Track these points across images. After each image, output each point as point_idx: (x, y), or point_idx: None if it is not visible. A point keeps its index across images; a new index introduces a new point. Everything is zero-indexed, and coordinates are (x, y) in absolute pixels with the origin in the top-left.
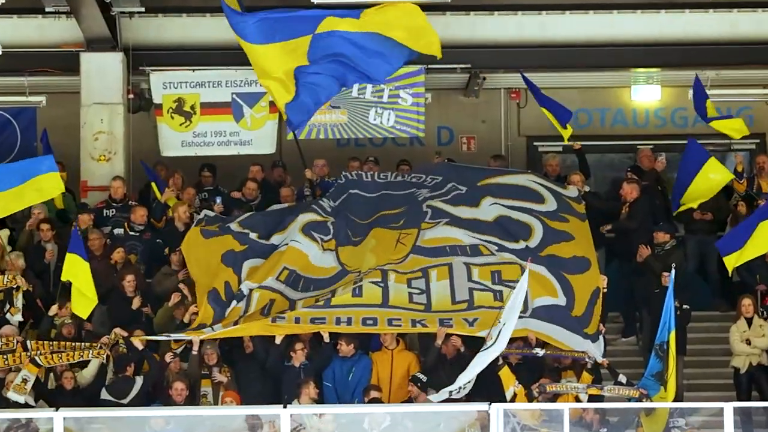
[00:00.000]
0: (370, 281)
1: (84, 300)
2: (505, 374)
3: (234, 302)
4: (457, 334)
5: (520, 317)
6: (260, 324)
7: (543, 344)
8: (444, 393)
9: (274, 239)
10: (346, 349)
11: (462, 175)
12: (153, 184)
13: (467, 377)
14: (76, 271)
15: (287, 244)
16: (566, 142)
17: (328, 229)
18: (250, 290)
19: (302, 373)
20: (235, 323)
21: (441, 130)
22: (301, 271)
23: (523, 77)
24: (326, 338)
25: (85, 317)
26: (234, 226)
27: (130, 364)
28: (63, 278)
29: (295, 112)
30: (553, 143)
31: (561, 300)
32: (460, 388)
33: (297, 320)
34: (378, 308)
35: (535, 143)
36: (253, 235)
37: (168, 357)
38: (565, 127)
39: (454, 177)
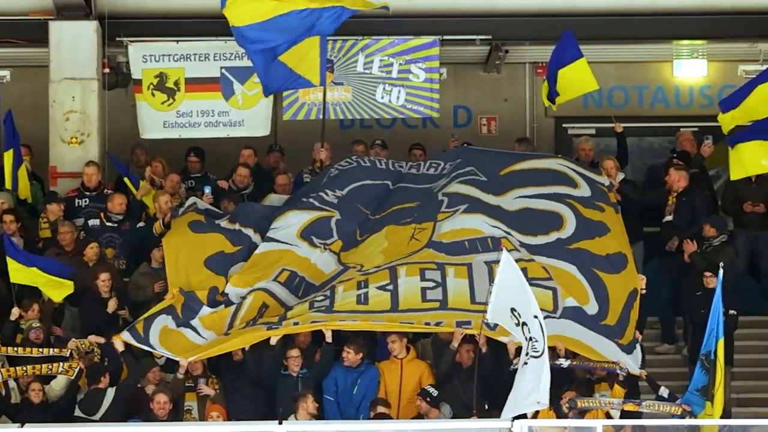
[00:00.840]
0: (377, 287)
1: (57, 287)
2: None
3: (221, 306)
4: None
5: (548, 317)
6: (254, 334)
7: (570, 354)
8: (513, 409)
9: (271, 234)
10: (353, 358)
11: (483, 161)
12: (126, 180)
13: (538, 397)
14: (25, 276)
15: (287, 245)
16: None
17: (331, 230)
18: (242, 298)
19: (300, 383)
20: (225, 334)
21: (458, 110)
22: (303, 273)
23: (565, 39)
24: (328, 337)
25: (59, 299)
26: (225, 223)
27: (104, 375)
28: (13, 281)
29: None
30: (585, 125)
31: (592, 307)
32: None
33: (296, 324)
34: (387, 313)
35: (564, 125)
36: (247, 231)
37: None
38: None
39: (475, 162)
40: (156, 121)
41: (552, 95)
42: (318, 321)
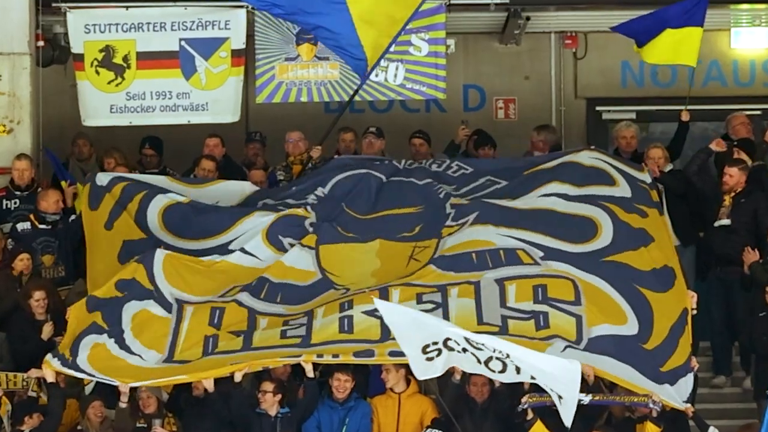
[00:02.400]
0: (364, 311)
1: None
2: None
3: (149, 301)
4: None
5: (570, 347)
6: (214, 370)
7: (595, 386)
8: None
9: (209, 244)
10: (342, 385)
11: (501, 166)
12: (64, 184)
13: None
14: None
15: (239, 255)
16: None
17: (304, 228)
18: (181, 303)
19: (279, 425)
20: (169, 356)
21: (468, 90)
22: (266, 274)
23: None
24: (309, 371)
25: None
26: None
27: (31, 415)
28: None
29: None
30: (623, 107)
31: (631, 327)
32: None
33: (265, 349)
34: (375, 344)
35: (598, 107)
36: (167, 238)
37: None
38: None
39: (490, 169)
40: (102, 104)
41: (640, 43)
42: (292, 357)
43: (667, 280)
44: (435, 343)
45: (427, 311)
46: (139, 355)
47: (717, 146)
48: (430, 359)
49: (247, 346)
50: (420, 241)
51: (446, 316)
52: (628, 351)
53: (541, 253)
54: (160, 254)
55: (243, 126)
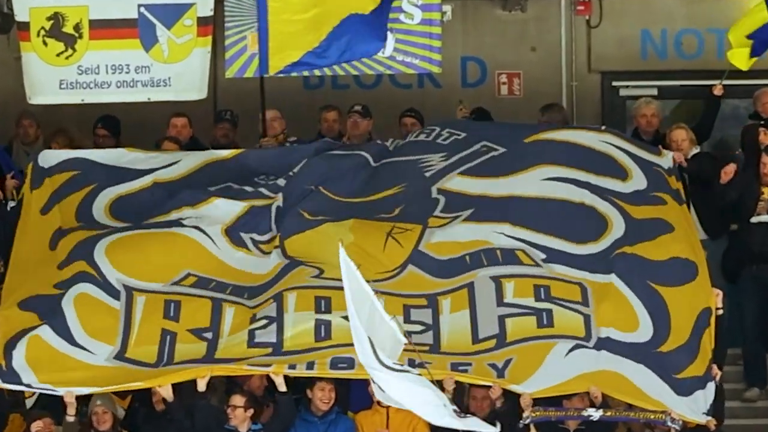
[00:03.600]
0: (344, 315)
1: None
2: None
3: (91, 285)
4: (481, 385)
5: (580, 347)
6: (175, 373)
7: (603, 402)
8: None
9: (161, 219)
10: (327, 395)
11: (499, 131)
12: (9, 178)
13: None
14: None
15: (200, 233)
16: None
17: (269, 222)
18: (130, 290)
19: None
20: (122, 350)
21: (467, 64)
22: (220, 278)
23: None
24: (280, 385)
25: None
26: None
27: None
28: None
29: None
30: (643, 82)
31: (643, 333)
32: None
33: (230, 362)
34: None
35: (614, 83)
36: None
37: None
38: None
39: (486, 133)
40: (50, 79)
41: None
42: (262, 367)
43: (685, 272)
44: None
45: (416, 333)
46: (86, 349)
47: (717, 91)
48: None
49: (210, 355)
50: (400, 222)
51: (437, 338)
52: (641, 354)
53: (543, 255)
54: (102, 242)
55: (210, 104)
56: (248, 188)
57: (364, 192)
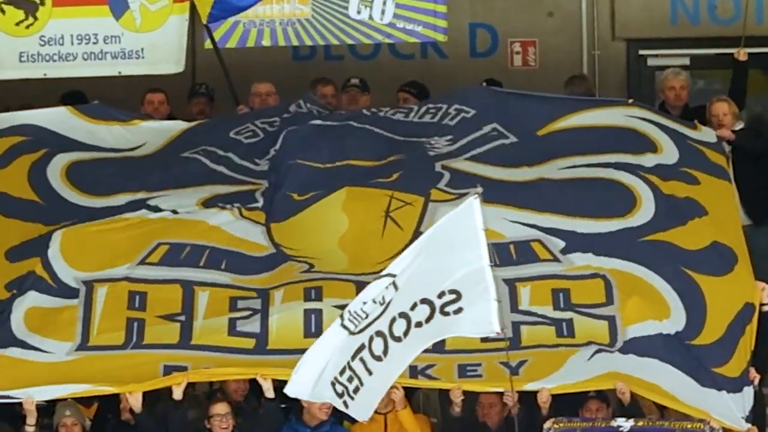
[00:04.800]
0: (337, 305)
1: None
2: None
3: (51, 299)
4: (492, 392)
5: (602, 351)
6: (143, 360)
7: (634, 409)
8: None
9: (126, 198)
10: (318, 411)
11: (510, 111)
12: None
13: None
14: None
15: (170, 213)
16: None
17: (253, 198)
18: (89, 285)
19: None
20: (83, 342)
21: (476, 31)
22: (195, 240)
23: None
24: (268, 390)
25: None
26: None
27: None
28: None
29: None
30: (674, 51)
31: (675, 322)
32: None
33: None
34: None
35: (641, 51)
36: (72, 196)
37: None
38: None
39: (498, 113)
40: (8, 51)
41: None
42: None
43: (724, 261)
44: (334, 383)
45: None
46: (41, 349)
47: (741, 57)
48: (345, 404)
49: (186, 341)
50: (399, 192)
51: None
52: (672, 351)
53: (563, 244)
54: (57, 235)
55: (189, 78)
56: (224, 154)
57: (356, 154)
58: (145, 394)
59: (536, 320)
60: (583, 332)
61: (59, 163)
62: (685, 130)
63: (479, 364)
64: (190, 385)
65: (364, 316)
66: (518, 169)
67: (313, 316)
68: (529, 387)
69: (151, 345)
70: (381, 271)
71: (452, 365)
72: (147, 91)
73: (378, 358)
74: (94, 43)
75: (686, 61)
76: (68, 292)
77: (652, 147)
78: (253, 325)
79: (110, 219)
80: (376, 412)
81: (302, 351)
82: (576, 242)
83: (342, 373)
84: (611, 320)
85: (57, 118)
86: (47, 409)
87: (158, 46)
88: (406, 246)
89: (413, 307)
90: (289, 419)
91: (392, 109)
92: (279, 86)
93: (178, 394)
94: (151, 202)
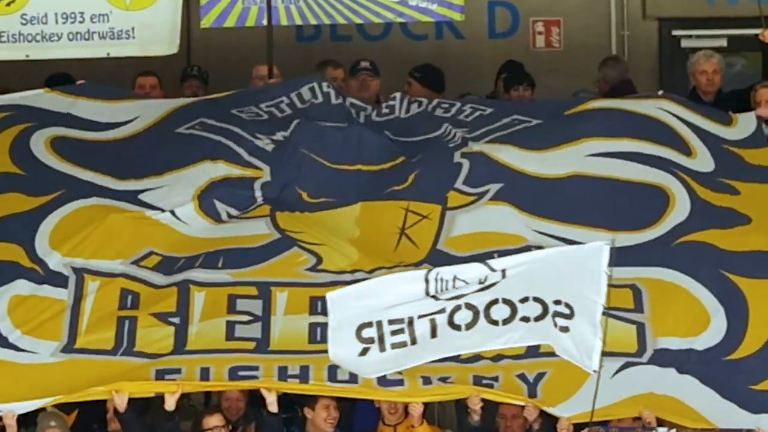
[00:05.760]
0: None
1: None
2: None
3: (36, 285)
4: (510, 403)
5: (629, 364)
6: (134, 368)
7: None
8: None
9: (120, 186)
10: (332, 414)
11: (534, 106)
12: None
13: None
14: None
15: (165, 214)
16: None
17: (252, 196)
18: (80, 273)
19: None
20: (69, 342)
21: (496, 9)
22: (189, 253)
23: None
24: (272, 404)
25: None
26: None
27: None
28: None
29: None
30: (709, 31)
31: (713, 333)
32: None
33: (205, 372)
34: None
35: (674, 32)
36: (86, 175)
37: None
38: None
39: (518, 107)
40: None
41: None
42: (243, 369)
43: None
44: (378, 325)
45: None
46: (24, 349)
47: (765, 38)
48: (364, 351)
49: (180, 345)
50: (416, 201)
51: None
52: (707, 367)
53: None
54: (48, 223)
55: (183, 60)
56: (224, 126)
57: (370, 156)
58: (135, 403)
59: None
60: (609, 336)
61: (44, 135)
62: (720, 129)
63: (496, 378)
64: (184, 395)
65: (452, 286)
66: (544, 152)
67: (318, 328)
68: (549, 410)
69: (142, 353)
70: (393, 267)
71: (467, 376)
72: (138, 74)
73: (456, 328)
74: (81, 22)
75: (723, 43)
76: (56, 280)
77: (686, 150)
78: (254, 332)
79: (102, 207)
80: (384, 422)
81: (308, 352)
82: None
83: (393, 322)
84: (640, 327)
85: (37, 99)
86: (30, 418)
87: (150, 26)
88: (419, 263)
89: (524, 300)
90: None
91: (404, 102)
92: (282, 69)
93: (170, 404)
94: (147, 198)
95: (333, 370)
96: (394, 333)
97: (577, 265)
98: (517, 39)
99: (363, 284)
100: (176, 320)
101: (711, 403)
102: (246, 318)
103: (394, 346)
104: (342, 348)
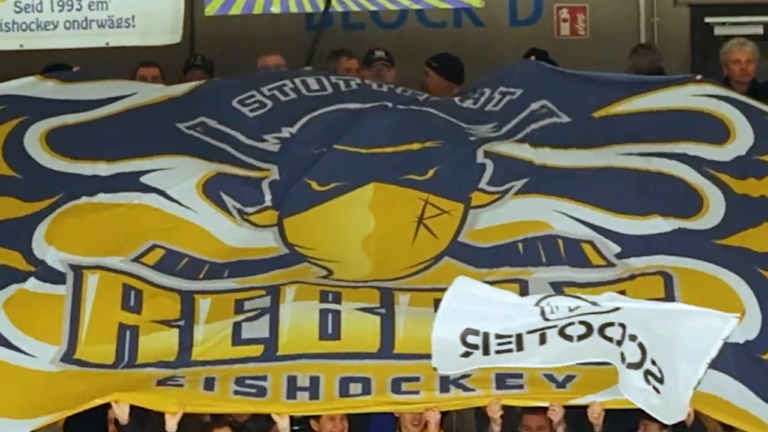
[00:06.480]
0: (358, 308)
1: None
2: None
3: (34, 282)
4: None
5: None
6: (135, 382)
7: (698, 430)
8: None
9: (114, 169)
10: (337, 427)
11: (564, 89)
12: None
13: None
14: None
15: (168, 201)
16: None
17: (260, 191)
18: (78, 270)
19: None
20: (69, 350)
21: None
22: (195, 252)
23: None
24: (283, 428)
25: None
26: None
27: None
28: None
29: None
30: (745, 17)
31: (745, 329)
32: None
33: (209, 383)
34: (373, 360)
35: (707, 19)
36: (54, 163)
37: None
38: None
39: (548, 90)
40: None
41: None
42: (251, 379)
43: None
44: (485, 336)
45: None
46: (24, 351)
47: None
48: (467, 354)
49: (185, 356)
50: (436, 196)
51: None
52: (743, 367)
53: (618, 249)
54: (44, 224)
55: (186, 50)
56: (226, 131)
57: (387, 140)
58: (134, 413)
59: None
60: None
61: (38, 130)
62: (761, 104)
63: (520, 375)
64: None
65: (565, 311)
66: (571, 150)
67: (330, 315)
68: (578, 401)
69: (145, 364)
70: (407, 276)
71: (489, 374)
72: (139, 64)
73: (568, 338)
74: (78, 10)
75: (759, 30)
76: (54, 276)
77: (723, 132)
78: (261, 327)
79: (99, 204)
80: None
81: (316, 356)
82: (634, 246)
83: (500, 337)
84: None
85: (28, 87)
86: None
87: (151, 13)
88: (440, 255)
89: (632, 337)
90: None
91: (431, 99)
92: (291, 60)
93: (171, 425)
94: (150, 182)
95: (345, 383)
96: (500, 344)
97: (695, 330)
98: (540, 26)
99: (488, 290)
100: (181, 323)
101: (745, 399)
102: (254, 312)
103: (500, 352)
104: (445, 340)
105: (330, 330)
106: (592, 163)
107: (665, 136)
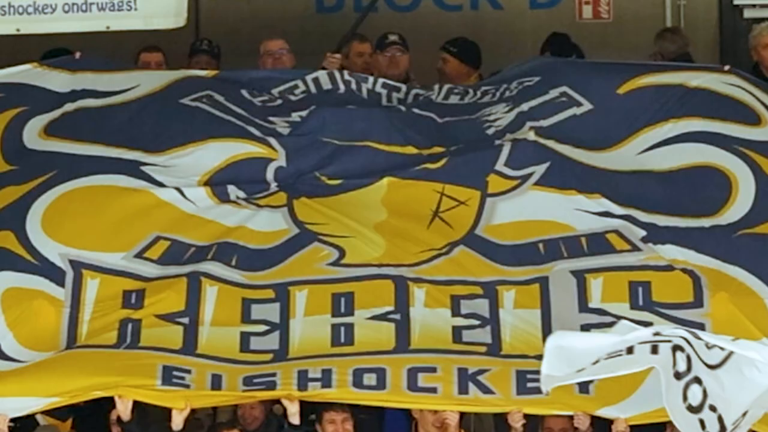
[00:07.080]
0: (371, 316)
1: None
2: None
3: (31, 277)
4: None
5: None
6: (136, 358)
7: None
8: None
9: (116, 153)
10: (340, 428)
11: (584, 74)
12: None
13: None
14: None
15: (165, 189)
16: None
17: (264, 179)
18: (78, 268)
19: None
20: (68, 347)
21: None
22: (199, 240)
23: None
24: (293, 415)
25: None
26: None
27: None
28: None
29: None
30: None
31: None
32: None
33: (216, 380)
34: (388, 355)
35: (736, 1)
36: (82, 149)
37: None
38: None
39: (568, 76)
40: None
41: None
42: (258, 378)
43: None
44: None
45: (466, 328)
46: (20, 361)
47: None
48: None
49: (190, 346)
50: (452, 185)
51: (497, 336)
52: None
53: (643, 233)
54: (39, 205)
55: (191, 34)
56: (234, 108)
57: (390, 137)
58: (136, 409)
59: (605, 320)
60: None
61: (38, 124)
62: None
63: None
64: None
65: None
66: (597, 152)
67: (342, 329)
68: (602, 413)
69: (148, 347)
70: (421, 263)
71: (509, 371)
72: (141, 50)
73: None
74: None
75: None
76: (52, 273)
77: (754, 118)
78: (271, 341)
79: (101, 188)
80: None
81: (330, 356)
82: (658, 234)
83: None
84: (699, 328)
85: (25, 75)
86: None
87: None
88: (455, 243)
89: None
90: None
91: (447, 90)
92: (300, 44)
93: (178, 422)
94: (152, 173)
95: (359, 374)
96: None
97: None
98: (561, 9)
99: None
100: (185, 320)
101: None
102: (262, 328)
103: (609, 357)
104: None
105: (342, 339)
106: (616, 167)
107: (691, 111)
